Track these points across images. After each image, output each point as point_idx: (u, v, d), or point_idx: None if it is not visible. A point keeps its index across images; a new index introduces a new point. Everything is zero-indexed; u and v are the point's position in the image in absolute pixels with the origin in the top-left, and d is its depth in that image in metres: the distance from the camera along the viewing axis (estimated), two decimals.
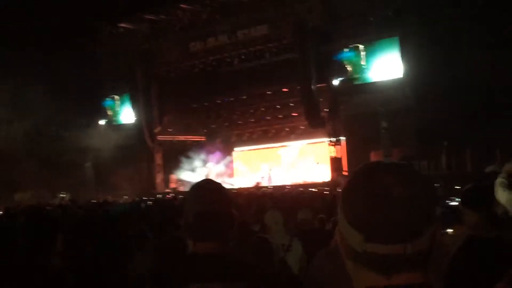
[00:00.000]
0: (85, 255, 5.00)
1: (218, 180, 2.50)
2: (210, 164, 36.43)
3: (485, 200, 3.60)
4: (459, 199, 3.69)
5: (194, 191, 2.31)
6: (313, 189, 22.32)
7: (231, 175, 34.50)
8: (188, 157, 36.80)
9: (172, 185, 34.40)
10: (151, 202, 16.93)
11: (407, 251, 1.21)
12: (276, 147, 35.87)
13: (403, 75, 26.30)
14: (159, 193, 29.70)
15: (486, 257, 3.31)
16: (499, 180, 3.79)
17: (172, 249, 3.55)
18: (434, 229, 1.25)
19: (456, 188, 10.43)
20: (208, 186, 2.33)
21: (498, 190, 3.75)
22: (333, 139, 28.96)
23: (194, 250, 2.30)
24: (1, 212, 14.33)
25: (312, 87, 28.18)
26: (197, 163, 36.16)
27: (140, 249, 4.69)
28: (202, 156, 37.09)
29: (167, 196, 21.64)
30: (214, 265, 2.16)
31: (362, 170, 1.31)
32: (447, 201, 5.30)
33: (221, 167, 36.34)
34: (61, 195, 28.08)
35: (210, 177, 2.47)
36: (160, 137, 36.59)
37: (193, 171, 33.09)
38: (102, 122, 37.97)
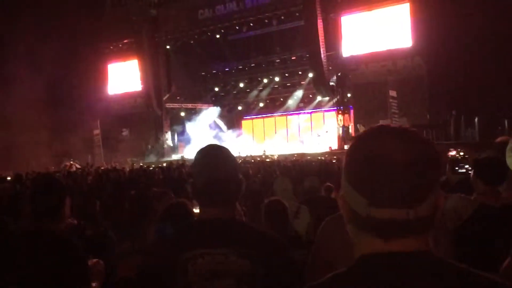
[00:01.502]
0: (93, 220, 5.02)
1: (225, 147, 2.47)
2: (217, 131, 36.49)
3: (497, 172, 3.62)
4: (470, 168, 3.70)
5: (201, 156, 2.28)
6: (321, 158, 22.34)
7: (239, 143, 34.50)
8: (196, 124, 36.89)
9: (180, 152, 34.53)
10: (158, 169, 16.96)
11: (410, 217, 1.19)
12: (284, 116, 35.77)
13: (413, 43, 25.99)
14: (167, 160, 29.80)
15: (495, 224, 3.35)
16: (509, 147, 3.81)
17: (177, 215, 3.53)
18: (437, 196, 1.23)
19: (465, 157, 10.40)
20: (214, 152, 2.29)
21: (508, 157, 3.77)
22: (342, 108, 28.83)
23: (201, 215, 2.29)
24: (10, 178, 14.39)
25: (321, 55, 27.96)
26: (204, 130, 36.25)
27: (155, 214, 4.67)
28: (210, 123, 37.17)
29: (174, 162, 21.70)
30: (221, 231, 2.15)
31: (365, 134, 1.29)
32: (459, 169, 5.27)
33: (229, 134, 36.39)
34: (71, 162, 28.19)
35: (217, 144, 2.41)
36: (168, 105, 36.62)
37: (201, 138, 33.09)
38: (110, 89, 37.96)
